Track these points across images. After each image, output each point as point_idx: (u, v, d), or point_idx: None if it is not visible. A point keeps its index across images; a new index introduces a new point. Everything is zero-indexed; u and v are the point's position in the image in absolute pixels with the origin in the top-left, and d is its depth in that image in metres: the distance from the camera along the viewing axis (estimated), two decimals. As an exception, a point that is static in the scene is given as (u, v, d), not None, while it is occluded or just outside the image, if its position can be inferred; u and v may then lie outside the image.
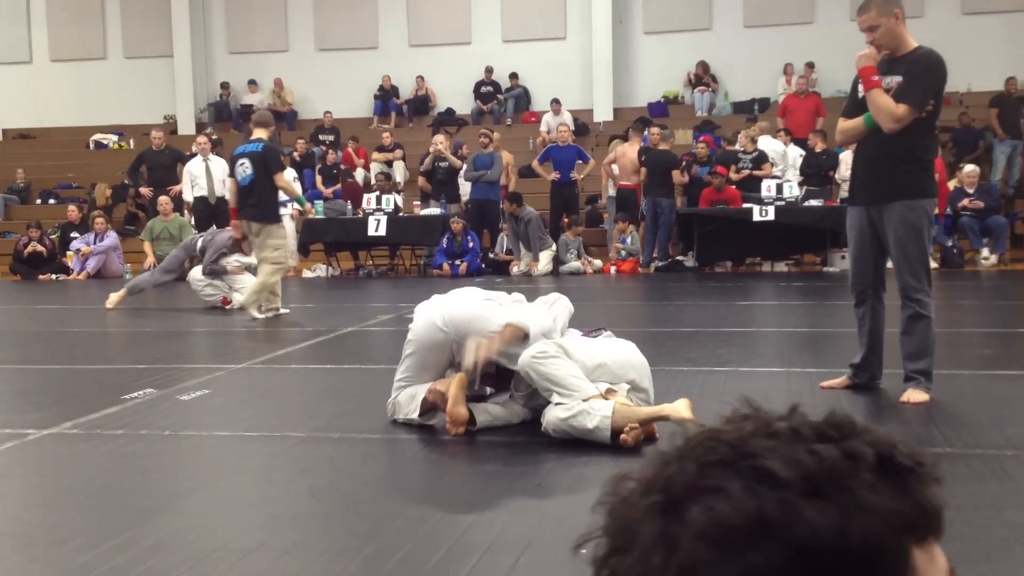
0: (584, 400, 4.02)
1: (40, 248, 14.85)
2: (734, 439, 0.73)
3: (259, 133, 9.15)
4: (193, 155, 14.24)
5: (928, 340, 4.76)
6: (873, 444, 0.72)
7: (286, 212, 14.57)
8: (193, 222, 14.18)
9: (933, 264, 12.39)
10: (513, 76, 19.28)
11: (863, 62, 4.74)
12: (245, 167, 9.05)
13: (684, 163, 13.95)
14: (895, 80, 4.68)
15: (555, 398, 4.07)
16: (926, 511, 0.72)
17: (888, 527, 0.69)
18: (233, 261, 9.97)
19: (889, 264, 4.87)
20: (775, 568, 0.67)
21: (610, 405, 3.97)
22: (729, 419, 0.76)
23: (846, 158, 13.54)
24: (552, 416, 4.06)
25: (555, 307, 4.76)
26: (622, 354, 4.40)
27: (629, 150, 14.00)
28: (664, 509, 0.71)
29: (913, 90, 4.63)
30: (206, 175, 13.90)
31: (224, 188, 14.05)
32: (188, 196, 14.08)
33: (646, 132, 14.26)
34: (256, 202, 9.00)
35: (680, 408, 3.94)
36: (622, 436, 3.91)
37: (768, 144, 14.12)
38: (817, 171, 13.60)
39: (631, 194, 14.03)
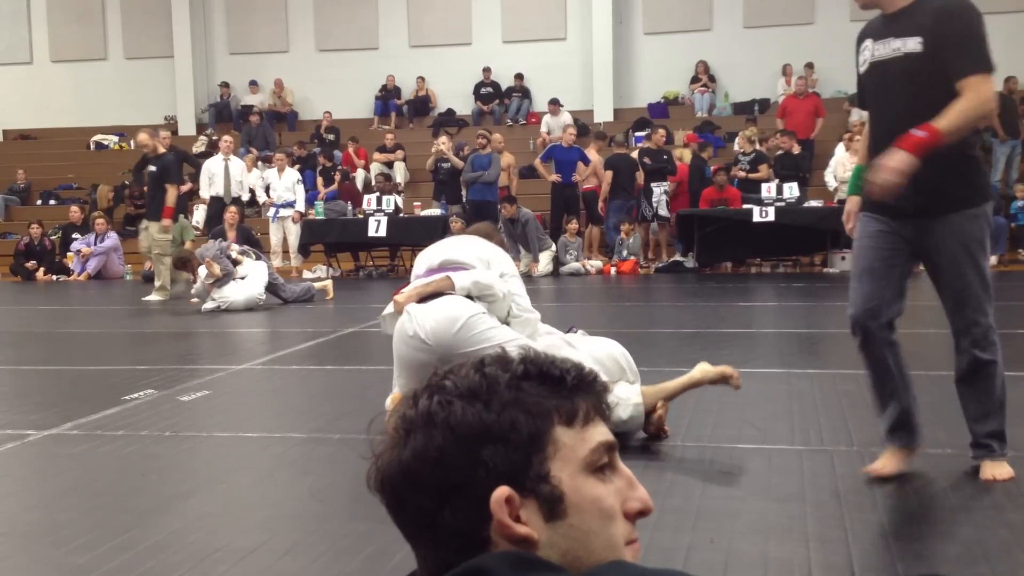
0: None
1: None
2: (447, 370, 1.05)
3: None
4: (198, 155, 14.30)
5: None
6: (527, 363, 1.02)
7: (287, 213, 14.62)
8: (204, 220, 14.20)
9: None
10: (518, 77, 19.26)
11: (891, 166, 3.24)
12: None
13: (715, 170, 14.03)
14: (907, 43, 3.36)
15: None
16: (573, 404, 1.01)
17: (526, 413, 0.99)
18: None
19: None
20: (437, 445, 0.99)
21: (636, 390, 3.99)
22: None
23: (844, 159, 13.52)
24: None
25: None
26: (606, 351, 4.32)
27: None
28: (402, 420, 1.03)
29: (973, 51, 3.28)
30: (224, 175, 13.93)
31: (242, 189, 14.16)
32: (205, 193, 14.15)
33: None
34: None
35: (707, 368, 3.99)
36: (656, 413, 3.94)
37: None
38: (794, 172, 13.65)
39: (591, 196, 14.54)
